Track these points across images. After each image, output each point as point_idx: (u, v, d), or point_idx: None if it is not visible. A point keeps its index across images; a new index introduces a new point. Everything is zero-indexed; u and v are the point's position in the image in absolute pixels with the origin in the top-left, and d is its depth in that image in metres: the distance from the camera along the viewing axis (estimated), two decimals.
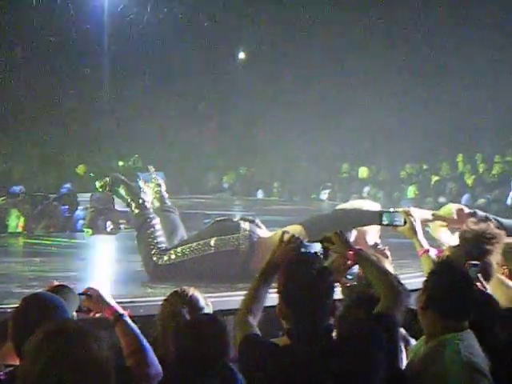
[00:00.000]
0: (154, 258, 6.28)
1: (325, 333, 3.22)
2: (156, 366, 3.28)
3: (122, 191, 6.65)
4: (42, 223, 10.80)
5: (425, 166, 17.22)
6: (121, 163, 16.09)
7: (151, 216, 6.48)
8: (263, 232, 6.39)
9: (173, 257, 6.29)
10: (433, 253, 4.86)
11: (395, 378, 3.44)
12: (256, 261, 5.87)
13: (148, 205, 6.55)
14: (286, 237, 3.67)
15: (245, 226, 6.32)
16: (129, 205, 6.64)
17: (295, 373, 3.13)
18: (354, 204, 6.56)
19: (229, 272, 6.15)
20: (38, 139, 16.67)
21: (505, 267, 4.81)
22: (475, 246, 4.58)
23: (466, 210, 5.60)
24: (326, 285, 3.27)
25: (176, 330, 3.46)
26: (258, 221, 6.49)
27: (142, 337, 3.36)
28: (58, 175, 15.37)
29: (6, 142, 16.34)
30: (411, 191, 15.50)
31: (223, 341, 3.39)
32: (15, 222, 10.75)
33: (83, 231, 10.98)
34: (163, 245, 6.37)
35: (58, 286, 3.59)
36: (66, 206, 11.53)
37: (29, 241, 9.82)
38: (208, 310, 3.79)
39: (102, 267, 7.55)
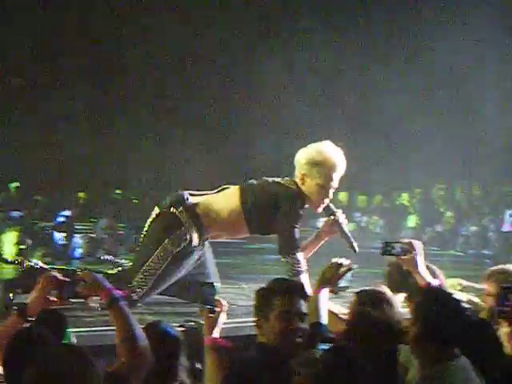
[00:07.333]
0: (132, 294, 5.87)
1: None
2: (148, 354, 3.24)
3: None
4: (39, 251, 10.73)
5: (421, 195, 17.21)
6: (118, 191, 16.07)
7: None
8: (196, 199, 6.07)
9: (142, 285, 5.95)
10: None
11: None
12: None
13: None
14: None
15: (183, 217, 5.96)
16: None
17: None
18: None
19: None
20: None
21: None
22: None
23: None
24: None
25: None
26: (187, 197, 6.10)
27: (135, 324, 3.30)
28: (58, 202, 15.30)
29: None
30: (412, 220, 15.44)
31: None
32: (11, 249, 10.66)
33: (80, 259, 10.94)
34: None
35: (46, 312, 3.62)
36: (63, 234, 11.46)
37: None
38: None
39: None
